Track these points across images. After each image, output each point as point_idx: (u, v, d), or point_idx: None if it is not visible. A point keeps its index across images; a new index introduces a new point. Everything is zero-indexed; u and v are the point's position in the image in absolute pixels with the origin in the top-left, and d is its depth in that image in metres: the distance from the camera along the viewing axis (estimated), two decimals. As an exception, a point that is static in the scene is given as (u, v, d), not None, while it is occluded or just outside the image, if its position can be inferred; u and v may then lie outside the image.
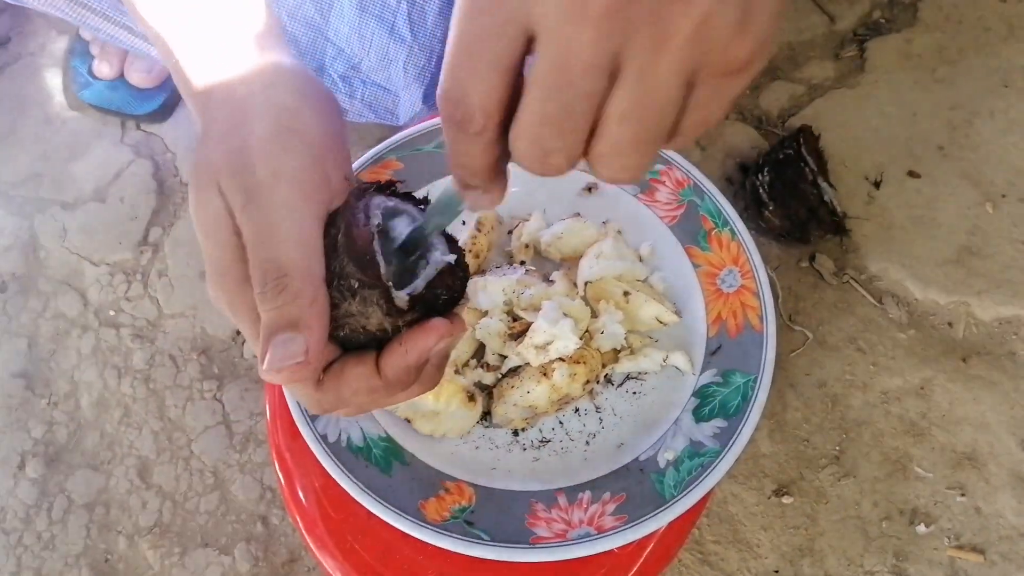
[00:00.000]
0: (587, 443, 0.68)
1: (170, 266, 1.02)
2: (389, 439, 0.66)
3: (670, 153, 0.76)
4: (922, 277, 0.96)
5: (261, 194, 0.41)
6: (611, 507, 0.62)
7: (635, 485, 0.63)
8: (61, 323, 0.99)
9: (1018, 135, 1.05)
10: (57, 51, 1.17)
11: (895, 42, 1.14)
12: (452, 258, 0.44)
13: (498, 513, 0.62)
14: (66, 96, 1.13)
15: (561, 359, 0.66)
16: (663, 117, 0.29)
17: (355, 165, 0.77)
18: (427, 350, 0.43)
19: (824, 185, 0.97)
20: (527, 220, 0.77)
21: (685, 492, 0.61)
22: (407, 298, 0.42)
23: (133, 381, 0.94)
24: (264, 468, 0.89)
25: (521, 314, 0.69)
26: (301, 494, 0.69)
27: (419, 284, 0.43)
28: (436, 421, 0.66)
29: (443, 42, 0.86)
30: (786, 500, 0.84)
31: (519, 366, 0.69)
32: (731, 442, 0.63)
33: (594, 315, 0.70)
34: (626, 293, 0.70)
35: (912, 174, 1.03)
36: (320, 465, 0.62)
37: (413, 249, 0.44)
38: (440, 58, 0.86)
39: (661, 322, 0.70)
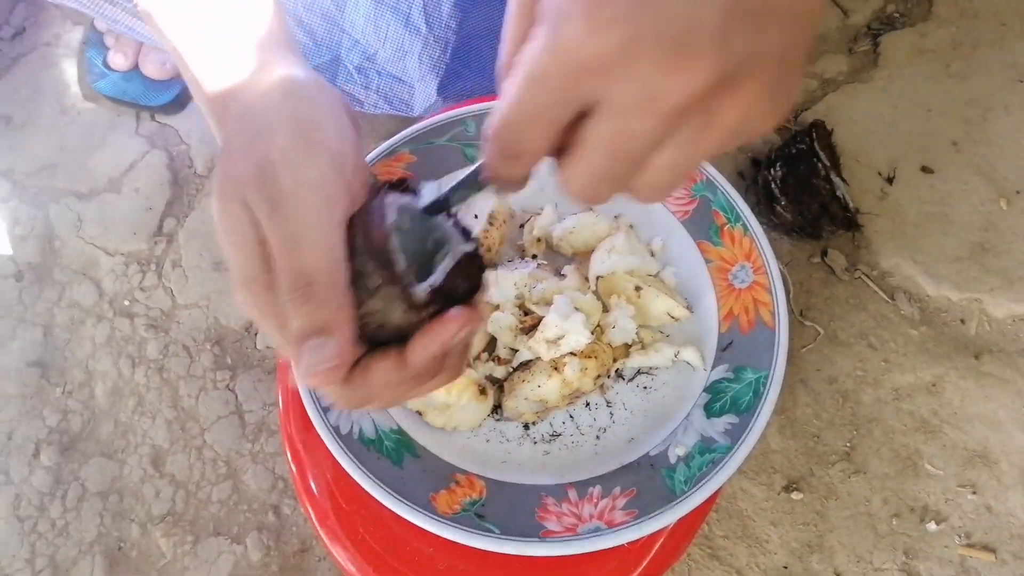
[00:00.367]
0: (597, 437, 0.68)
1: (184, 257, 1.02)
2: (401, 431, 0.67)
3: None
4: (935, 274, 0.95)
5: (286, 204, 0.42)
6: (621, 502, 0.62)
7: (646, 480, 0.63)
8: (76, 312, 1.00)
9: (1034, 131, 1.04)
10: (72, 42, 1.17)
11: (909, 36, 1.13)
12: (471, 247, 0.45)
13: (509, 506, 0.62)
14: (81, 87, 1.13)
15: (572, 353, 0.66)
16: (696, 165, 0.35)
17: (369, 158, 0.77)
18: (449, 339, 0.44)
19: (836, 180, 0.96)
20: (539, 214, 0.77)
21: (696, 488, 0.61)
22: (427, 291, 0.43)
23: (147, 370, 0.95)
24: (276, 458, 0.89)
25: (533, 308, 0.69)
26: (313, 485, 0.69)
27: (438, 277, 0.44)
28: (448, 414, 0.67)
29: (458, 33, 0.85)
30: (796, 496, 0.84)
31: (530, 360, 0.69)
32: (742, 438, 0.63)
33: (606, 310, 0.70)
34: (638, 288, 0.70)
35: (925, 170, 1.03)
36: (332, 456, 0.63)
37: (431, 241, 0.45)
38: (455, 49, 0.86)
39: (673, 317, 0.70)
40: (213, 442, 0.91)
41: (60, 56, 1.17)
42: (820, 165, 0.97)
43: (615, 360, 0.70)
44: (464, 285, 0.45)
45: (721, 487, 0.61)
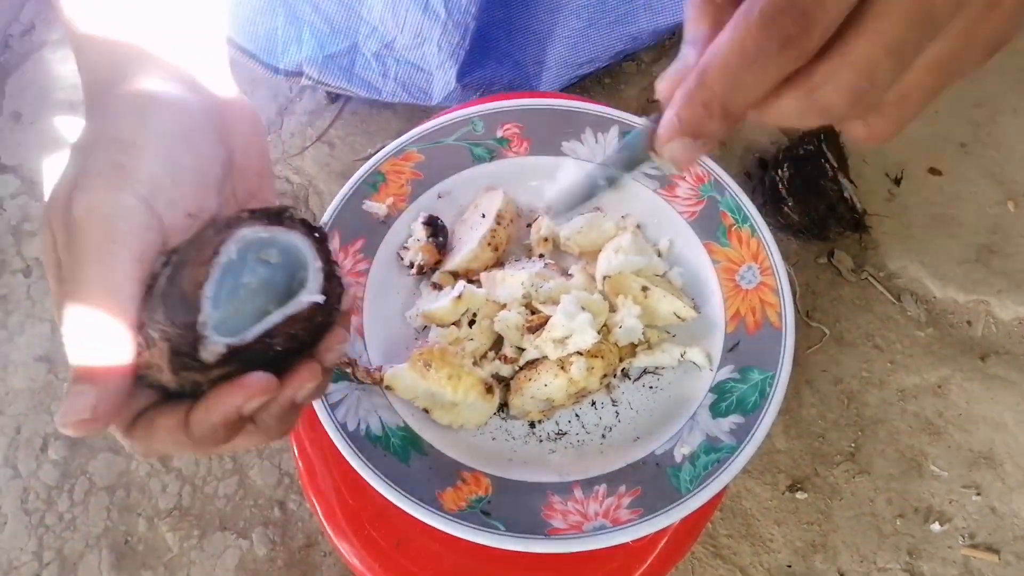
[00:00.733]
0: (603, 436, 0.69)
1: (191, 253, 1.02)
2: (407, 429, 0.67)
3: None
4: (941, 275, 0.95)
5: (75, 233, 0.39)
6: (627, 500, 0.62)
7: (651, 479, 0.63)
8: (84, 308, 1.00)
9: (1042, 133, 1.04)
10: (81, 38, 1.18)
11: (919, 38, 1.13)
12: (315, 299, 0.41)
13: (514, 504, 0.63)
14: (90, 83, 1.14)
15: (579, 353, 0.67)
16: (954, 78, 0.32)
17: (377, 157, 0.78)
18: (235, 409, 0.39)
19: (844, 181, 0.96)
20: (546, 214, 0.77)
21: (701, 487, 0.61)
22: (221, 351, 0.38)
23: (154, 366, 0.95)
24: (282, 454, 0.90)
25: (539, 307, 0.69)
26: (320, 481, 0.70)
27: (252, 332, 0.39)
28: (454, 412, 0.67)
29: (477, 20, 0.85)
30: (800, 496, 0.84)
31: (537, 359, 0.69)
32: (748, 438, 0.63)
33: (612, 309, 0.71)
34: (644, 288, 0.70)
35: (933, 171, 1.02)
36: (339, 453, 0.63)
37: (274, 289, 0.41)
38: (474, 36, 0.86)
39: (679, 317, 0.71)
40: (220, 438, 0.91)
41: (69, 53, 1.17)
42: (828, 166, 0.97)
43: (621, 360, 0.70)
44: (283, 345, 0.40)
45: (726, 486, 0.62)
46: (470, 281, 0.72)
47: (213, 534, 0.86)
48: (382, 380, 0.67)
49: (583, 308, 0.66)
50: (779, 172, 0.97)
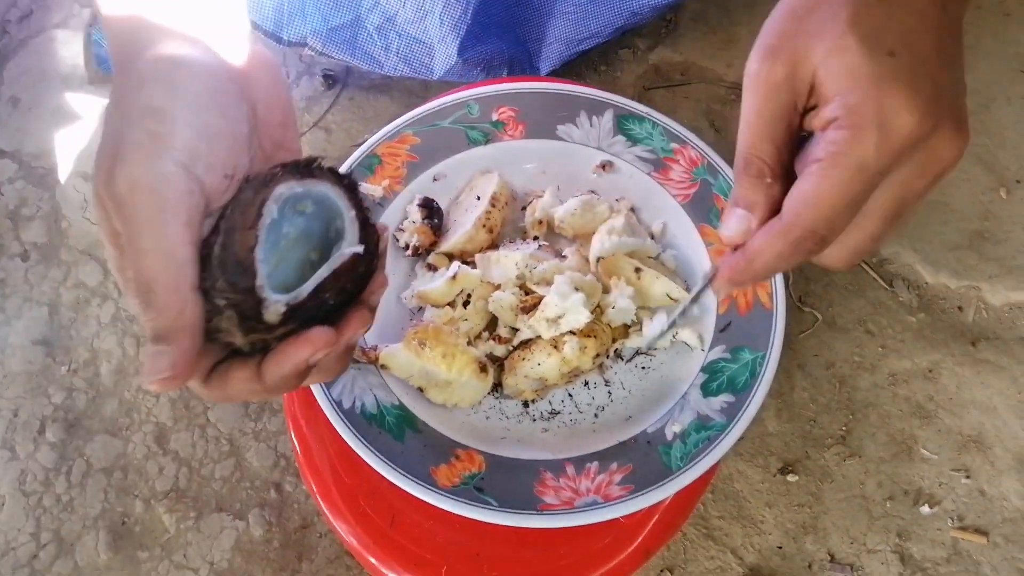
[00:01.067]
0: (596, 415, 0.69)
1: (188, 238, 1.03)
2: (402, 407, 0.68)
3: (684, 131, 0.77)
4: (933, 261, 0.96)
5: (124, 205, 0.40)
6: (618, 477, 0.63)
7: (642, 456, 0.64)
8: (82, 292, 1.01)
9: (1034, 121, 1.04)
10: (79, 24, 1.18)
11: (913, 26, 1.13)
12: (355, 250, 0.44)
13: (507, 480, 0.64)
14: (87, 69, 1.14)
15: (572, 332, 0.67)
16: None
17: (372, 140, 0.78)
18: (302, 362, 0.43)
19: (837, 168, 0.97)
20: (541, 196, 0.77)
21: (691, 464, 0.62)
22: (282, 310, 0.41)
23: (151, 350, 0.96)
24: (278, 437, 0.90)
25: (533, 288, 0.70)
26: (316, 460, 0.70)
27: (304, 290, 0.42)
28: (448, 391, 0.68)
29: None
30: (791, 478, 0.85)
31: (530, 339, 0.70)
32: (738, 416, 0.64)
33: (605, 290, 0.71)
34: (637, 269, 0.71)
35: (926, 159, 1.03)
36: (334, 431, 0.64)
37: (318, 241, 0.44)
38: (476, 9, 0.86)
39: (672, 298, 0.71)
40: (216, 420, 0.92)
41: (67, 38, 1.17)
42: (821, 152, 0.97)
43: (614, 340, 0.71)
44: (334, 299, 0.43)
45: (716, 464, 0.62)
46: (465, 262, 0.73)
47: (209, 515, 0.87)
48: (377, 359, 0.68)
49: (576, 289, 0.67)
50: (773, 158, 0.97)
